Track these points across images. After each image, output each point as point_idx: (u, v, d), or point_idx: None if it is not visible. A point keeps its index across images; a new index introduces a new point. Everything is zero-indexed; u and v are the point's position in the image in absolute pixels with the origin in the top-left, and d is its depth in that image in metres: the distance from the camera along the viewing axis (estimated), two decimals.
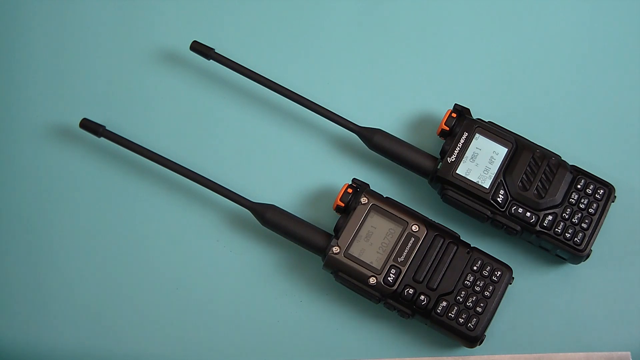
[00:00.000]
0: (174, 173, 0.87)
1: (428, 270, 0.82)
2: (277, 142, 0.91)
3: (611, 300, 0.85)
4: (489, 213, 0.83)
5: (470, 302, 0.81)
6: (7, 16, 0.96)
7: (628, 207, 0.87)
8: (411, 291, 0.81)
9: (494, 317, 0.82)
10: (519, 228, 0.83)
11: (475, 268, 0.82)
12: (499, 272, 0.82)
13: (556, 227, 0.83)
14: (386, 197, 0.84)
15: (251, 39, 0.95)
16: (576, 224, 0.83)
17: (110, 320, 0.87)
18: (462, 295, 0.81)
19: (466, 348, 0.82)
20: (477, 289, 0.81)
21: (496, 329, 0.84)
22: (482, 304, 0.81)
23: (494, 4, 0.95)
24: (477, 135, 0.85)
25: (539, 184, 0.84)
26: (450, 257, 0.82)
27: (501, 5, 0.95)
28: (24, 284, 0.89)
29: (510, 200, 0.83)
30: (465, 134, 0.85)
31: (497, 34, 0.94)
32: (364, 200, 0.84)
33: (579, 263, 0.84)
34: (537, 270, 0.86)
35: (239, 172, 0.90)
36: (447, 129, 0.86)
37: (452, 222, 0.87)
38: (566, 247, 0.83)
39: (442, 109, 0.90)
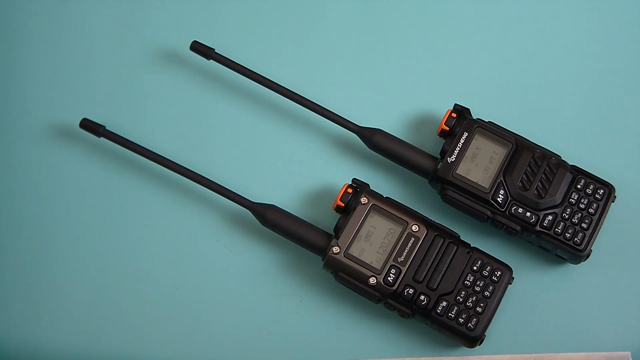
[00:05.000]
0: (174, 173, 0.87)
1: (428, 270, 0.82)
2: (277, 142, 0.91)
3: (611, 300, 0.85)
4: (489, 213, 0.83)
5: (470, 302, 0.81)
6: (7, 16, 0.96)
7: (628, 207, 0.87)
8: (411, 291, 0.81)
9: (494, 317, 0.82)
10: (519, 228, 0.83)
11: (475, 268, 0.82)
12: (499, 272, 0.82)
13: (556, 227, 0.83)
14: (386, 197, 0.84)
15: (251, 39, 0.95)
16: (576, 224, 0.83)
17: (110, 320, 0.87)
18: (462, 295, 0.81)
19: (466, 348, 0.82)
20: (477, 289, 0.81)
21: (496, 329, 0.84)
22: (482, 304, 0.81)
23: (494, 4, 0.95)
24: (477, 135, 0.85)
25: (539, 184, 0.84)
26: (450, 257, 0.82)
27: (501, 6, 0.95)
28: (23, 284, 0.89)
29: (510, 200, 0.83)
30: (465, 134, 0.85)
31: (498, 34, 0.94)
32: (364, 200, 0.84)
33: (579, 263, 0.84)
34: (537, 270, 0.86)
35: (239, 172, 0.90)
36: (447, 129, 0.86)
37: (452, 222, 0.87)
38: (566, 247, 0.83)
39: (442, 109, 0.90)
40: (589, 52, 0.93)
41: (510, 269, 0.82)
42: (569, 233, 0.83)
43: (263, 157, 0.91)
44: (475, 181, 0.84)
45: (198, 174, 0.86)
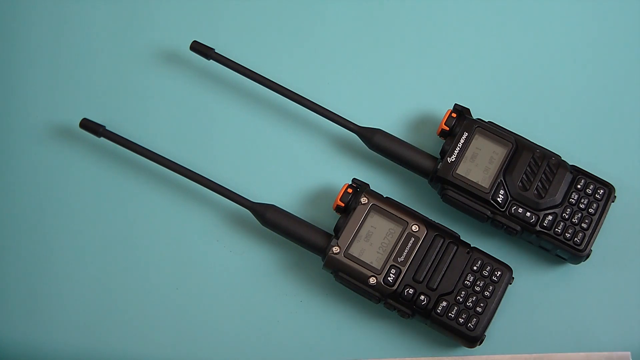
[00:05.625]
0: (174, 173, 0.87)
1: (428, 270, 0.82)
2: (277, 142, 0.91)
3: (611, 300, 0.85)
4: (489, 213, 0.83)
5: (470, 302, 0.81)
6: (7, 16, 0.96)
7: (628, 207, 0.87)
8: (411, 291, 0.81)
9: (494, 317, 0.82)
10: (519, 228, 0.83)
11: (475, 268, 0.82)
12: (499, 272, 0.82)
13: (556, 227, 0.83)
14: (386, 197, 0.84)
15: (251, 39, 0.95)
16: (576, 224, 0.83)
17: (110, 320, 0.87)
18: (462, 295, 0.81)
19: (466, 348, 0.82)
20: (477, 289, 0.81)
21: (496, 329, 0.84)
22: (482, 304, 0.81)
23: (494, 4, 0.95)
24: (477, 135, 0.85)
25: (539, 184, 0.84)
26: (450, 257, 0.82)
27: (501, 6, 0.95)
28: (23, 284, 0.88)
29: (510, 200, 0.83)
30: (465, 134, 0.85)
31: (497, 34, 0.94)
32: (364, 200, 0.84)
33: (579, 263, 0.84)
34: (537, 270, 0.86)
35: (239, 172, 0.90)
36: (447, 129, 0.86)
37: (452, 222, 0.87)
38: (566, 247, 0.83)
39: (442, 109, 0.90)
40: (589, 52, 0.93)
41: (510, 269, 0.82)
42: (569, 233, 0.83)
43: (263, 157, 0.91)
44: (475, 181, 0.84)
45: (198, 174, 0.86)
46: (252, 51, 0.94)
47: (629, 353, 0.82)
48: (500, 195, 0.83)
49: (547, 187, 0.84)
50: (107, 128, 0.88)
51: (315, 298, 0.87)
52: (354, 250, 0.82)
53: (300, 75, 0.93)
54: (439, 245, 0.82)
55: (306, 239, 0.84)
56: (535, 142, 0.86)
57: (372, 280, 0.81)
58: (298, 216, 0.85)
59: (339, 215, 0.84)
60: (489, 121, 0.86)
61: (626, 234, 0.87)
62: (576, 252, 0.83)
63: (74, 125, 0.90)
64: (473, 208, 0.84)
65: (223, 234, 0.89)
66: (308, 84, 0.92)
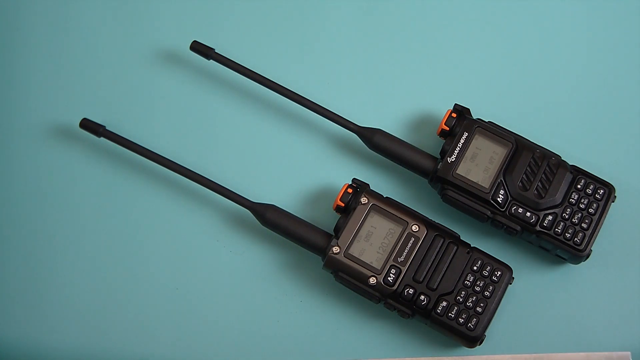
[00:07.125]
0: (174, 173, 0.87)
1: (428, 270, 0.82)
2: (277, 142, 0.91)
3: (611, 300, 0.85)
4: (489, 213, 0.83)
5: (470, 302, 0.81)
6: (7, 16, 0.96)
7: (628, 207, 0.87)
8: (411, 291, 0.81)
9: (494, 317, 0.82)
10: (519, 228, 0.83)
11: (475, 268, 0.82)
12: (499, 272, 0.82)
13: (556, 227, 0.83)
14: (386, 197, 0.84)
15: (251, 39, 0.95)
16: (576, 224, 0.83)
17: (109, 320, 0.87)
18: (462, 295, 0.81)
19: (466, 348, 0.82)
20: (477, 289, 0.81)
21: (496, 329, 0.84)
22: (482, 304, 0.81)
23: (494, 5, 0.95)
24: (477, 135, 0.85)
25: (539, 184, 0.84)
26: (450, 257, 0.82)
27: (501, 5, 0.95)
28: (23, 284, 0.89)
29: (510, 200, 0.83)
30: (465, 134, 0.85)
31: (498, 34, 0.94)
32: (364, 200, 0.84)
33: (579, 263, 0.84)
34: (537, 270, 0.86)
35: (239, 172, 0.90)
36: (447, 129, 0.86)
37: (452, 222, 0.87)
38: (566, 247, 0.83)
39: (442, 109, 0.90)
40: (589, 52, 0.93)
41: (510, 269, 0.82)
42: (569, 233, 0.83)
43: (263, 157, 0.91)
44: (475, 181, 0.84)
45: (198, 174, 0.86)
46: (252, 51, 0.94)
47: (629, 353, 0.82)
48: (500, 195, 0.83)
49: (547, 187, 0.84)
50: (107, 128, 0.88)
51: (315, 298, 0.87)
52: (354, 250, 0.82)
53: (300, 75, 0.93)
54: (439, 245, 0.82)
55: (306, 239, 0.84)
56: (535, 142, 0.86)
57: (372, 280, 0.81)
58: (298, 216, 0.85)
59: (339, 215, 0.84)
60: (489, 121, 0.86)
61: (626, 234, 0.87)
62: (576, 252, 0.83)
63: (74, 125, 0.90)
64: (473, 208, 0.84)
65: (223, 234, 0.89)
66: (308, 84, 0.92)
